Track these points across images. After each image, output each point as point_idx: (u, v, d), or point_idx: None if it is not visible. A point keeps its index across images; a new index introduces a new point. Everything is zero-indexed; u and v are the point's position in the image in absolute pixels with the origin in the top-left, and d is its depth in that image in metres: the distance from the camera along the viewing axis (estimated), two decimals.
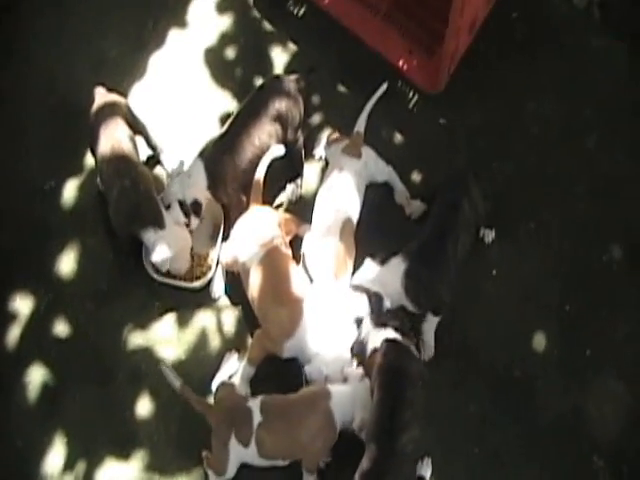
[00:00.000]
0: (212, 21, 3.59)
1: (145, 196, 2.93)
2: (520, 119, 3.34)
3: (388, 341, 2.59)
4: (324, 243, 2.90)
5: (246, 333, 3.04)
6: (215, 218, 3.14)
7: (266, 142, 3.03)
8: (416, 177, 3.25)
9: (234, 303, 3.09)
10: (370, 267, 2.84)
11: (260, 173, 3.01)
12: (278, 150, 3.03)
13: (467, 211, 2.84)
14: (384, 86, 3.26)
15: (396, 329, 2.65)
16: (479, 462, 2.85)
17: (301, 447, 2.62)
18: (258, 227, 2.91)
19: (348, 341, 2.78)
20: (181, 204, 3.00)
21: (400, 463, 2.44)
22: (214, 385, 2.84)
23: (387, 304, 2.74)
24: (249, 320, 3.00)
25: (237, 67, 3.51)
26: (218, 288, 3.10)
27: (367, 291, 2.78)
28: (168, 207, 3.02)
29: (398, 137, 3.32)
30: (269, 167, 3.07)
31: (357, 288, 2.81)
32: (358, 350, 2.71)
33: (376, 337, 2.64)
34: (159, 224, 2.91)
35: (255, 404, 2.66)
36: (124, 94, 3.32)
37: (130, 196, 2.89)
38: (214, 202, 3.07)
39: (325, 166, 3.25)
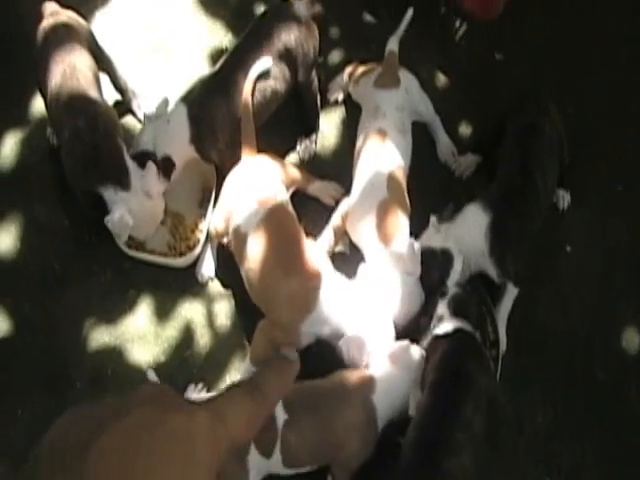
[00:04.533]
0: None
1: (105, 139, 2.60)
2: (605, 42, 3.11)
3: (460, 332, 2.34)
4: (367, 204, 2.62)
5: (244, 327, 2.76)
6: (204, 180, 2.86)
7: (270, 85, 2.74)
8: (465, 130, 3.00)
9: (227, 287, 2.81)
10: (437, 226, 2.58)
11: (247, 107, 2.70)
12: (265, 63, 2.72)
13: (550, 134, 2.65)
14: (409, 12, 3.00)
15: (475, 318, 2.42)
16: None
17: (333, 448, 2.36)
18: (255, 181, 2.62)
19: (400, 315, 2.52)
20: (145, 156, 2.68)
21: None
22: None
23: (459, 263, 2.50)
24: (247, 310, 2.69)
25: None
26: (207, 268, 2.80)
27: (430, 252, 2.52)
28: (141, 164, 2.68)
29: (442, 79, 3.07)
30: (273, 114, 2.79)
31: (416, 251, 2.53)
32: (422, 325, 2.49)
33: (448, 321, 2.39)
34: (121, 183, 2.59)
35: None
36: (86, 21, 2.97)
37: (84, 138, 2.57)
38: (201, 160, 2.78)
39: (345, 113, 3.01)
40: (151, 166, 2.66)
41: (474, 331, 2.39)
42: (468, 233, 2.55)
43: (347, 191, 2.77)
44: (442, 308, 2.46)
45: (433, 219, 2.61)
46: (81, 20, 2.85)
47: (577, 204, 2.87)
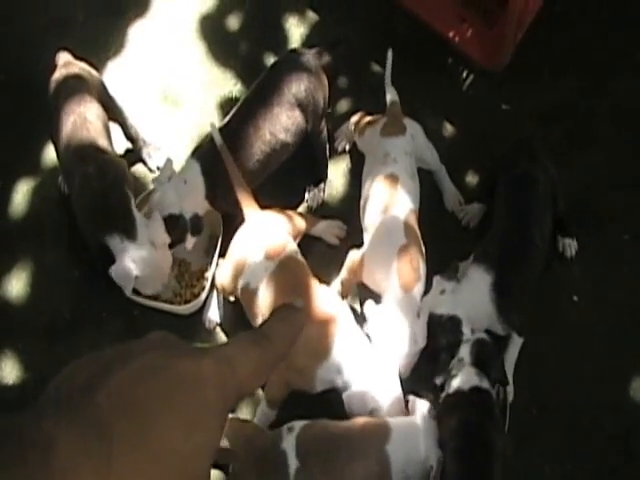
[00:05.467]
0: None
1: (114, 188, 2.65)
2: (608, 100, 3.09)
3: (477, 392, 2.34)
4: (386, 250, 2.63)
5: None
6: (211, 228, 2.89)
7: (281, 137, 2.77)
8: (471, 179, 3.01)
9: (234, 334, 2.78)
10: (440, 285, 2.59)
11: (232, 170, 2.71)
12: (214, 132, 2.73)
13: (544, 182, 2.65)
14: (389, 54, 3.04)
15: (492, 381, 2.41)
16: None
17: None
18: (261, 237, 2.66)
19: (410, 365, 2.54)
20: (172, 219, 2.72)
21: None
22: None
23: (467, 331, 2.49)
24: None
25: (241, 41, 3.30)
26: (213, 314, 2.83)
27: (437, 316, 2.53)
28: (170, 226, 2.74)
29: (448, 128, 3.09)
30: (283, 165, 2.84)
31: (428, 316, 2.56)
32: (439, 381, 2.47)
33: (466, 371, 2.39)
34: (128, 232, 2.61)
35: (290, 445, 2.32)
36: (96, 70, 3.06)
37: (94, 184, 2.63)
38: (211, 210, 2.82)
39: (351, 161, 3.05)
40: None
41: (491, 388, 2.38)
42: (473, 296, 2.55)
43: (351, 231, 2.82)
44: (464, 352, 2.45)
45: (436, 279, 2.61)
46: (93, 71, 2.93)
47: (583, 253, 2.86)
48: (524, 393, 2.65)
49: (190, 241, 2.77)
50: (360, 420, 2.39)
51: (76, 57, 2.93)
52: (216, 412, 0.65)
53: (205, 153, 2.75)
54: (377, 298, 2.65)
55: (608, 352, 2.76)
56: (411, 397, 2.43)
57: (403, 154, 2.78)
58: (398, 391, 2.48)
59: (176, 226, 2.71)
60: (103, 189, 2.63)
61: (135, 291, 2.75)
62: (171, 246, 2.75)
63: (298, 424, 2.38)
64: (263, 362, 0.71)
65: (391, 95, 2.97)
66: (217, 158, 2.71)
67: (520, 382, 2.65)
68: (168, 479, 0.60)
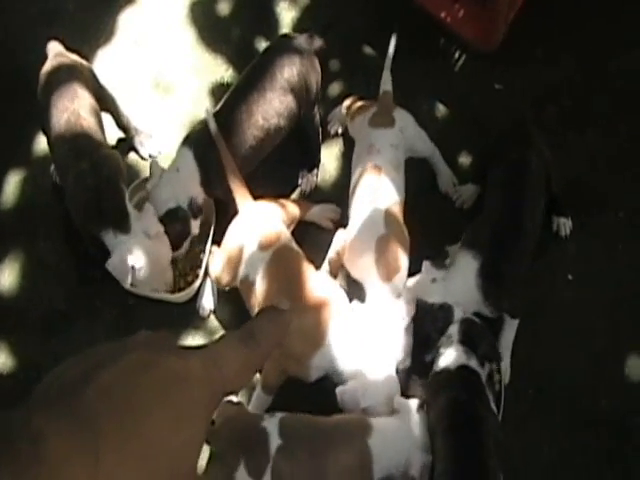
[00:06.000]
0: None
1: (108, 184, 2.67)
2: (604, 78, 3.07)
3: (464, 370, 2.34)
4: (365, 240, 2.64)
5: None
6: (204, 216, 2.89)
7: (274, 122, 2.78)
8: (465, 160, 3.00)
9: (228, 321, 2.83)
10: (431, 273, 2.58)
11: (227, 159, 2.72)
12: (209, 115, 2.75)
13: (537, 166, 2.62)
14: (393, 39, 3.01)
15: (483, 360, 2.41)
16: None
17: None
18: (255, 227, 2.67)
19: (399, 357, 2.54)
20: (171, 214, 2.74)
21: None
22: None
23: (458, 315, 2.49)
24: None
25: (232, 26, 3.30)
26: (207, 302, 2.84)
27: (428, 305, 2.53)
28: (171, 221, 2.76)
29: (441, 109, 3.08)
30: (275, 148, 2.84)
31: (415, 302, 2.56)
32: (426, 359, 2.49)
33: (454, 355, 2.39)
34: (121, 226, 2.64)
35: (272, 424, 2.35)
36: (87, 59, 3.08)
37: (88, 181, 2.64)
38: (205, 197, 2.83)
39: (344, 145, 3.04)
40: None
41: (479, 367, 2.38)
42: (460, 283, 2.54)
43: (345, 214, 2.80)
44: (453, 330, 2.46)
45: (427, 264, 2.61)
46: (83, 62, 2.93)
47: (578, 232, 2.85)
48: (520, 374, 2.65)
49: (195, 225, 2.79)
50: (344, 416, 2.43)
51: (67, 48, 2.93)
52: (202, 409, 0.66)
53: (197, 140, 2.76)
54: (359, 286, 2.67)
55: (604, 331, 2.75)
56: (398, 399, 2.44)
57: (388, 146, 2.77)
58: (392, 386, 2.49)
59: (176, 220, 2.73)
60: (97, 186, 2.64)
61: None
62: (175, 248, 2.78)
63: (279, 413, 2.41)
64: (249, 361, 0.72)
65: (385, 84, 2.96)
66: (209, 144, 2.72)
67: (516, 363, 2.65)
68: (155, 474, 0.61)
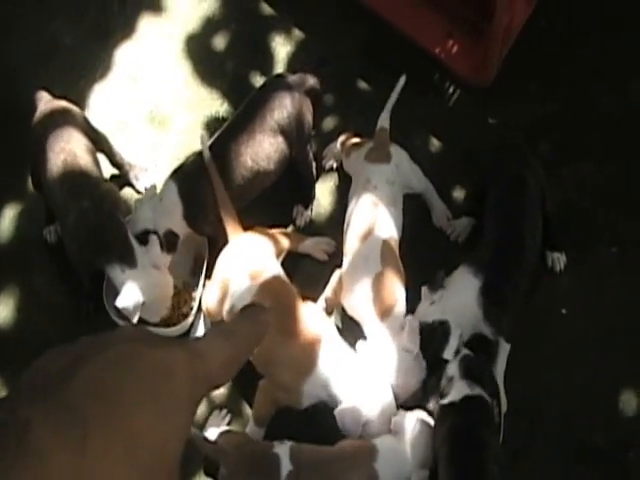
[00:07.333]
0: (195, 2, 3.42)
1: (111, 219, 2.69)
2: (597, 113, 3.11)
3: (469, 399, 2.38)
4: (362, 278, 2.67)
5: (241, 391, 2.80)
6: (196, 249, 2.93)
7: (263, 165, 2.81)
8: (458, 194, 3.03)
9: None
10: (429, 297, 2.62)
11: (219, 190, 2.75)
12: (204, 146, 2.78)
13: (534, 187, 2.67)
14: (402, 80, 3.05)
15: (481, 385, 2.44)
16: None
17: None
18: (245, 259, 2.70)
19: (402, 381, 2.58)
20: (145, 235, 2.76)
21: None
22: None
23: (456, 337, 2.52)
24: (243, 374, 2.70)
25: (227, 60, 3.33)
26: (201, 334, 2.83)
27: (428, 325, 2.56)
28: (143, 242, 2.77)
29: (435, 144, 3.12)
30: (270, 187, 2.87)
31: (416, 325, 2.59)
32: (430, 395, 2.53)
33: (458, 384, 2.42)
34: (127, 261, 2.65)
35: (283, 451, 2.42)
36: (81, 95, 3.17)
37: (90, 219, 2.66)
38: (193, 233, 2.86)
39: (339, 179, 3.08)
40: (154, 239, 2.74)
41: (482, 391, 2.40)
42: (460, 300, 2.56)
43: (340, 248, 2.82)
44: (452, 369, 2.47)
45: (424, 290, 2.63)
46: (73, 106, 2.96)
47: (572, 267, 2.87)
48: (514, 407, 2.66)
49: (164, 257, 2.78)
50: (348, 442, 2.47)
51: (57, 96, 2.97)
52: (186, 402, 0.67)
53: (184, 174, 2.79)
54: (357, 324, 2.71)
55: (598, 365, 2.78)
56: (395, 418, 2.47)
57: (384, 182, 2.80)
58: (388, 400, 2.52)
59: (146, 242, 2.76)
60: (101, 222, 2.66)
61: (120, 316, 2.75)
62: None
63: (289, 442, 2.47)
64: (231, 357, 0.74)
65: (383, 121, 2.99)
66: (197, 179, 2.76)
67: (510, 396, 2.66)
68: (139, 466, 0.62)
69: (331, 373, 2.51)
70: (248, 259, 2.69)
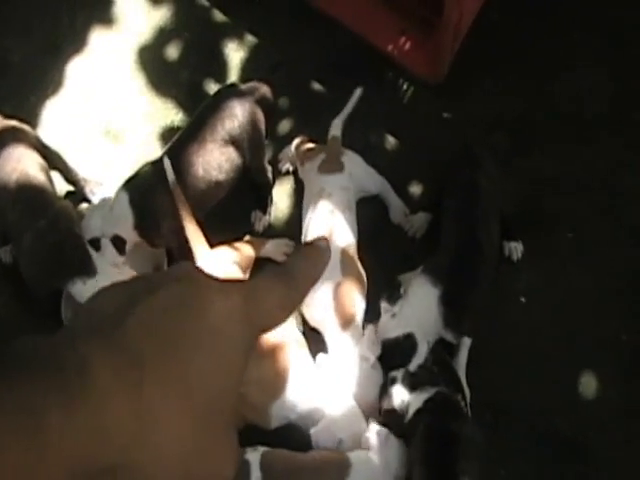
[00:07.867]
0: (146, 13, 3.42)
1: (68, 236, 2.67)
2: (549, 104, 3.11)
3: (430, 400, 2.37)
4: (322, 288, 2.65)
5: None
6: (154, 259, 2.91)
7: (214, 175, 2.79)
8: (415, 189, 3.02)
9: None
10: (389, 311, 2.62)
11: (184, 210, 2.71)
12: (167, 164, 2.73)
13: (487, 188, 2.67)
14: (358, 91, 3.09)
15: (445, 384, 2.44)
16: None
17: None
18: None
19: (367, 396, 2.56)
20: (95, 243, 2.75)
21: None
22: None
23: (424, 348, 2.53)
24: None
25: (181, 70, 3.33)
26: None
27: (392, 341, 2.56)
28: (96, 248, 2.74)
29: (391, 141, 3.11)
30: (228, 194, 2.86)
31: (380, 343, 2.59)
32: (390, 417, 2.47)
33: (413, 401, 2.41)
34: (87, 271, 2.63)
35: (254, 457, 2.40)
36: (33, 112, 3.16)
37: (47, 238, 2.63)
38: (146, 245, 2.84)
39: (295, 182, 3.08)
40: (106, 241, 2.74)
41: (441, 385, 2.42)
42: (421, 311, 2.56)
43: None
44: (399, 394, 2.45)
45: (383, 304, 2.64)
46: (24, 125, 2.94)
47: (528, 255, 2.87)
48: (476, 398, 2.65)
49: (120, 257, 2.77)
50: (322, 453, 2.45)
51: (5, 116, 2.95)
52: (241, 346, 0.65)
53: (136, 184, 2.77)
54: (318, 334, 2.69)
55: (558, 352, 2.77)
56: (366, 434, 2.45)
57: (339, 189, 2.81)
58: (356, 415, 2.50)
59: (98, 248, 2.74)
60: (58, 241, 2.64)
61: None
62: None
63: (262, 448, 2.44)
64: (286, 299, 0.71)
65: (334, 130, 3.00)
66: (148, 190, 2.74)
67: (472, 388, 2.65)
68: (195, 411, 0.60)
69: (300, 395, 2.50)
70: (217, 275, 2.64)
